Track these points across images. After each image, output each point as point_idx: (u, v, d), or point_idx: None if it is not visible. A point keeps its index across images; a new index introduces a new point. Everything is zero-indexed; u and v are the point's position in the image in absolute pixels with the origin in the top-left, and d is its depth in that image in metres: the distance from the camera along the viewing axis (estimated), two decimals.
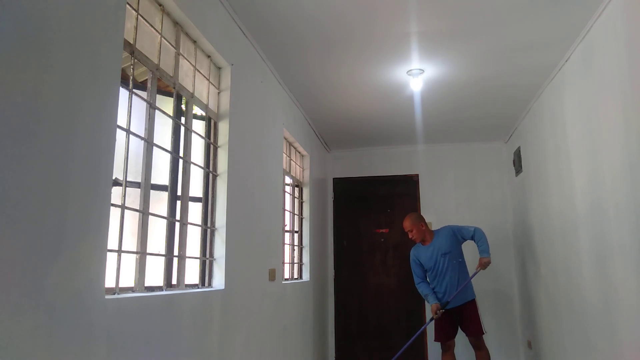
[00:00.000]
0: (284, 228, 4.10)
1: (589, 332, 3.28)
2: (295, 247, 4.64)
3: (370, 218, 5.89)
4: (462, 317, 4.17)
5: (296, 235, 4.72)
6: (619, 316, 2.81)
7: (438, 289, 4.22)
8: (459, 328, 4.23)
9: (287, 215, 4.41)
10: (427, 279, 4.34)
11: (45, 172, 1.36)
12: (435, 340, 4.26)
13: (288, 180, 4.50)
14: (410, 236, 4.36)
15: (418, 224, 4.33)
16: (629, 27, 2.52)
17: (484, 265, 4.07)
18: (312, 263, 4.88)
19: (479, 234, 4.20)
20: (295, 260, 4.63)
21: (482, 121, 5.02)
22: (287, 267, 4.29)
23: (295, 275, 4.62)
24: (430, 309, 4.25)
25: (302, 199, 4.91)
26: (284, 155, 4.23)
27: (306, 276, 4.75)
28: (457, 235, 4.27)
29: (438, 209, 5.73)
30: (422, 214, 5.76)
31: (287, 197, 4.42)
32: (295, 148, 4.70)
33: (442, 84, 3.99)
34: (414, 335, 4.34)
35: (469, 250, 4.67)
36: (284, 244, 4.03)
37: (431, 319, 4.20)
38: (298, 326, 4.21)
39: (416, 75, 3.74)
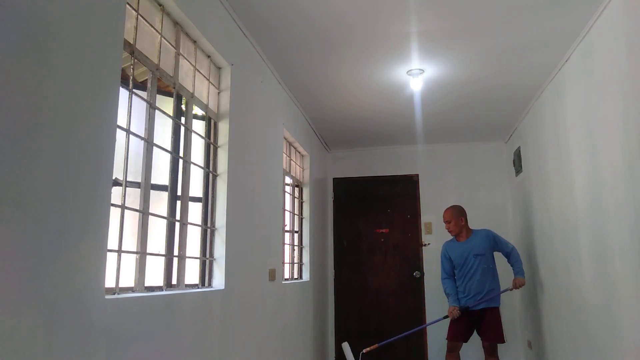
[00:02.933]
0: (284, 228, 4.10)
1: (589, 332, 3.28)
2: (295, 247, 4.64)
3: (370, 218, 5.89)
4: (482, 321, 4.12)
5: (296, 235, 4.72)
6: (619, 316, 2.81)
7: (463, 288, 4.18)
8: (475, 332, 4.19)
9: (287, 215, 4.41)
10: (455, 277, 4.30)
11: (45, 172, 1.36)
12: (447, 338, 4.23)
13: (288, 180, 4.50)
14: (447, 227, 4.33)
15: (458, 218, 4.27)
16: (629, 27, 2.52)
17: (518, 286, 4.06)
18: (312, 263, 4.88)
19: (516, 254, 4.19)
20: (295, 260, 4.63)
21: (482, 121, 5.02)
22: (287, 267, 4.29)
23: (295, 275, 4.62)
24: (447, 309, 4.23)
25: (302, 199, 4.91)
26: (284, 155, 4.23)
27: (306, 276, 4.75)
28: (494, 243, 4.22)
29: (438, 209, 5.70)
30: (422, 213, 5.77)
31: (287, 197, 4.42)
32: (295, 148, 4.70)
33: (442, 84, 3.99)
34: (420, 326, 4.35)
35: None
36: (284, 244, 4.03)
37: (446, 316, 4.20)
38: (298, 326, 4.21)
39: (416, 75, 3.74)
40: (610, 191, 2.85)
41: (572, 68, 3.39)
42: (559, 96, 3.70)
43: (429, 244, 5.67)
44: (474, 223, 5.02)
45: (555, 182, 3.93)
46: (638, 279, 2.53)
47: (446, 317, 4.20)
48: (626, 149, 2.61)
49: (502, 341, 4.09)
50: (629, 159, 2.58)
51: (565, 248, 3.71)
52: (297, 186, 4.84)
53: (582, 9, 2.86)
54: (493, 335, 4.07)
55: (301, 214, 4.88)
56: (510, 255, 4.18)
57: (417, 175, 5.89)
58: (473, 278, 4.13)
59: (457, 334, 4.16)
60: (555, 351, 4.13)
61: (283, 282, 3.81)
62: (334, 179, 6.04)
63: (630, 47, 2.50)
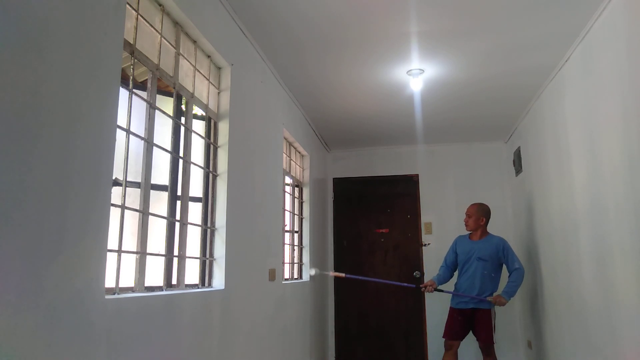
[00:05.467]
0: (284, 228, 4.10)
1: (589, 332, 3.28)
2: (295, 247, 4.64)
3: (370, 218, 5.89)
4: (474, 321, 4.16)
5: (296, 235, 4.72)
6: (619, 316, 2.80)
7: (459, 284, 4.26)
8: (471, 332, 4.21)
9: (287, 215, 4.41)
10: (454, 270, 4.38)
11: (45, 172, 1.36)
12: (443, 336, 4.26)
13: (288, 180, 4.50)
14: (465, 220, 4.36)
15: (479, 217, 4.29)
16: (629, 27, 2.52)
17: (497, 302, 4.06)
18: (312, 263, 4.88)
19: (517, 276, 4.11)
20: (295, 260, 4.63)
21: (482, 121, 5.02)
22: (287, 267, 4.29)
23: (295, 275, 4.62)
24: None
25: (302, 199, 4.91)
26: (284, 155, 4.23)
27: (306, 276, 4.75)
28: (501, 254, 4.18)
29: (438, 209, 5.73)
30: (422, 213, 5.77)
31: (287, 197, 4.42)
32: (295, 148, 4.70)
33: (442, 84, 3.99)
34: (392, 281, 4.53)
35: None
36: (284, 244, 4.03)
37: (417, 286, 4.32)
38: (298, 326, 4.20)
39: (416, 75, 3.74)
40: (611, 191, 2.85)
41: (572, 68, 3.39)
42: (559, 96, 3.70)
43: (429, 244, 5.67)
44: None
45: (555, 182, 3.93)
46: (638, 279, 2.53)
47: (419, 287, 4.31)
48: (626, 148, 2.61)
49: (491, 342, 4.09)
50: (629, 158, 2.58)
51: (566, 248, 3.71)
52: (297, 186, 4.84)
53: (582, 9, 2.86)
54: (485, 337, 4.09)
55: (301, 214, 4.88)
56: (510, 274, 4.16)
57: (417, 175, 5.89)
58: (469, 280, 4.16)
59: (453, 332, 4.19)
60: (555, 351, 4.13)
61: (283, 282, 3.81)
62: (334, 179, 6.04)
63: (630, 47, 2.50)
